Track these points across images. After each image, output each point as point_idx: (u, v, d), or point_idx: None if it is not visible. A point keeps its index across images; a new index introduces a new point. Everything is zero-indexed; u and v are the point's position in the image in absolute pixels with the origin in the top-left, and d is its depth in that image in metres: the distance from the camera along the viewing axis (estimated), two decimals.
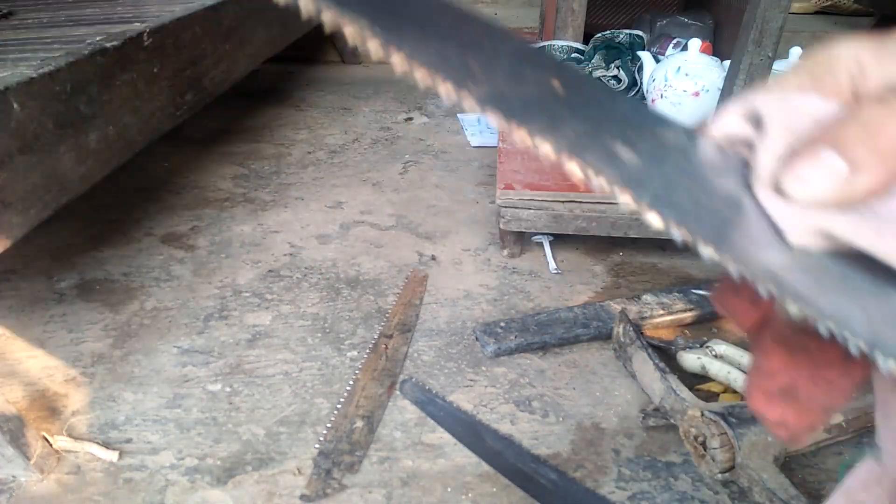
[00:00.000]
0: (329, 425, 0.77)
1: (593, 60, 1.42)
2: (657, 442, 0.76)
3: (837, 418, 0.71)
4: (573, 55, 1.52)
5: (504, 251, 1.13)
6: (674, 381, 0.75)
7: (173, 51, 0.96)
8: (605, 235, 1.06)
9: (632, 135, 0.18)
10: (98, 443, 0.74)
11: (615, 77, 1.40)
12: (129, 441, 0.75)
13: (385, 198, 1.34)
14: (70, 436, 0.74)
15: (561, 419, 0.79)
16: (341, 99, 1.95)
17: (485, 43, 0.19)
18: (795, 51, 1.25)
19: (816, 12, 2.35)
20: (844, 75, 0.17)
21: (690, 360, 0.84)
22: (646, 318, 0.93)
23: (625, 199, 0.17)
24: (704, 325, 0.96)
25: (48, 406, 0.80)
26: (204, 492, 0.69)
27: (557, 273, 1.09)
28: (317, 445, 0.74)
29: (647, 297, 0.98)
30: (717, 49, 1.57)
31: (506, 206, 1.04)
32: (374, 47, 0.17)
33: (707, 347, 0.85)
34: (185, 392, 0.82)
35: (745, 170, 0.18)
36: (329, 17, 0.17)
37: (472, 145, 1.61)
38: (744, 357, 0.83)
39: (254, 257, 1.12)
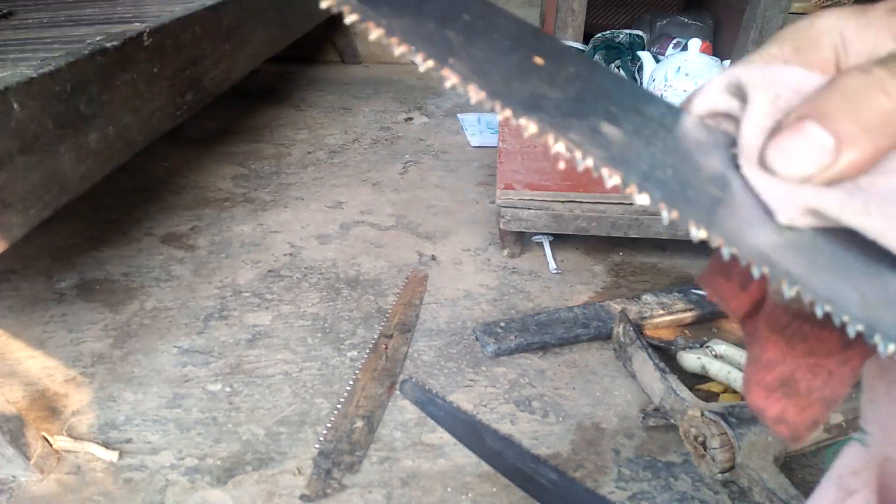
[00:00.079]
0: (329, 425, 0.77)
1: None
2: (657, 442, 0.76)
3: (837, 418, 0.71)
4: None
5: (504, 251, 1.13)
6: (674, 381, 0.75)
7: (173, 51, 0.96)
8: (605, 235, 1.06)
9: (617, 112, 0.18)
10: (98, 443, 0.74)
11: None
12: (129, 441, 0.75)
13: (385, 198, 1.34)
14: (70, 436, 0.74)
15: (561, 419, 0.79)
16: (341, 99, 1.95)
17: (465, 16, 0.18)
18: None
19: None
20: (827, 47, 0.17)
21: (690, 360, 0.84)
22: (646, 318, 0.93)
23: (613, 181, 0.16)
24: (704, 325, 0.96)
25: (48, 406, 0.80)
26: (204, 492, 0.69)
27: (557, 273, 1.09)
28: (317, 445, 0.74)
29: (647, 297, 0.98)
30: (717, 49, 1.57)
31: (506, 206, 1.04)
32: (352, 19, 0.17)
33: (707, 347, 0.85)
34: (185, 392, 0.82)
35: (730, 146, 0.18)
36: None
37: (472, 145, 1.61)
38: (744, 357, 0.83)
39: (254, 257, 1.12)
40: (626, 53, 1.42)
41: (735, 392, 0.80)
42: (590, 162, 0.16)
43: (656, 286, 1.05)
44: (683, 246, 1.14)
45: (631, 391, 0.83)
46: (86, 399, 0.81)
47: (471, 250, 1.15)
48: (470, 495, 0.69)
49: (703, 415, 0.68)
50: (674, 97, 1.19)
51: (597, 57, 1.42)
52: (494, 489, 0.70)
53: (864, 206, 0.16)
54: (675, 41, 1.62)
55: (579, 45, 1.55)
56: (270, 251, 1.14)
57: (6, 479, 0.70)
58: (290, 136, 1.66)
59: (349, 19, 0.17)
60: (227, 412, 0.79)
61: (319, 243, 1.17)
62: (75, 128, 0.74)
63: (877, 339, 0.15)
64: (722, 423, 0.67)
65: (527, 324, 0.92)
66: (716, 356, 0.83)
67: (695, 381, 0.82)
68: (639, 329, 0.87)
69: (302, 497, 0.69)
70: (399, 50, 0.17)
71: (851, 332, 0.15)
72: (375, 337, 0.92)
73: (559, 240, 1.16)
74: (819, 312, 0.15)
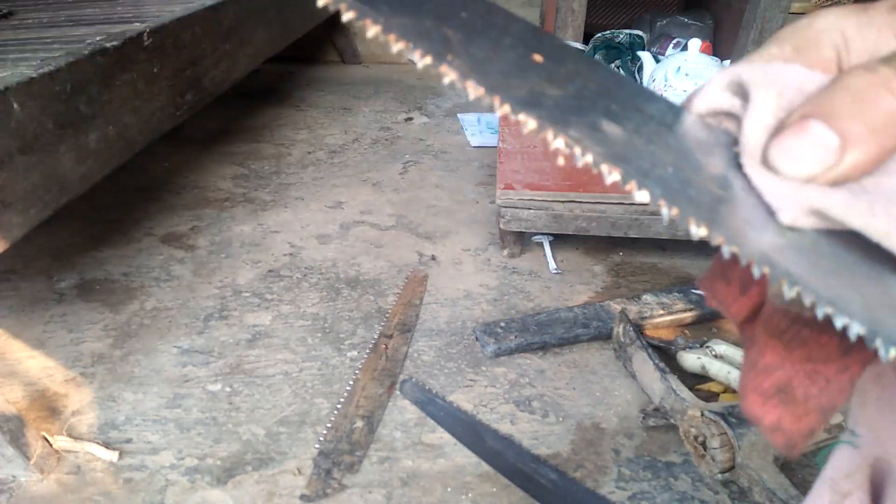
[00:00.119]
0: (329, 425, 0.77)
1: None
2: (657, 442, 0.76)
3: (837, 418, 0.71)
4: None
5: (504, 251, 1.13)
6: (674, 381, 0.75)
7: (173, 51, 0.96)
8: (605, 235, 1.06)
9: (617, 110, 0.18)
10: (98, 443, 0.74)
11: None
12: (129, 441, 0.75)
13: (385, 198, 1.34)
14: (70, 436, 0.74)
15: (561, 419, 0.79)
16: (341, 99, 1.95)
17: (463, 14, 0.18)
18: None
19: None
20: (828, 47, 0.17)
21: (690, 360, 0.84)
22: (646, 318, 0.93)
23: (613, 177, 0.16)
24: (704, 325, 0.96)
25: (48, 406, 0.80)
26: (204, 492, 0.69)
27: (557, 273, 1.09)
28: (317, 445, 0.74)
29: (647, 297, 0.98)
30: (717, 49, 1.57)
31: (506, 206, 1.04)
32: (349, 17, 0.17)
33: (707, 347, 0.85)
34: (185, 392, 0.82)
35: (732, 144, 0.18)
36: None
37: (472, 145, 1.61)
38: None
39: (254, 257, 1.12)
40: (626, 53, 1.42)
41: (735, 392, 0.80)
42: (589, 158, 0.16)
43: (656, 286, 1.05)
44: (683, 246, 1.14)
45: (631, 391, 0.83)
46: (86, 399, 0.81)
47: (471, 250, 1.15)
48: (470, 495, 0.69)
49: (703, 415, 0.68)
50: (674, 97, 1.19)
51: (597, 57, 1.42)
52: (494, 489, 0.70)
53: (869, 208, 0.15)
54: (675, 41, 1.62)
55: (579, 45, 1.55)
56: (270, 251, 1.14)
57: (6, 479, 0.70)
58: (290, 136, 1.66)
59: (346, 17, 0.17)
60: (227, 412, 0.79)
61: (319, 243, 1.17)
62: (75, 128, 0.74)
63: (878, 343, 0.14)
64: (722, 423, 0.67)
65: (527, 324, 0.92)
66: (716, 356, 0.83)
67: (695, 381, 0.82)
68: (639, 329, 0.87)
69: (302, 497, 0.69)
70: (397, 47, 0.17)
71: (852, 334, 0.15)
72: (375, 337, 0.92)
73: (559, 240, 1.16)
74: (819, 314, 0.15)
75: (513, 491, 0.69)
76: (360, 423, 0.77)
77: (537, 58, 0.18)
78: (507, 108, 0.16)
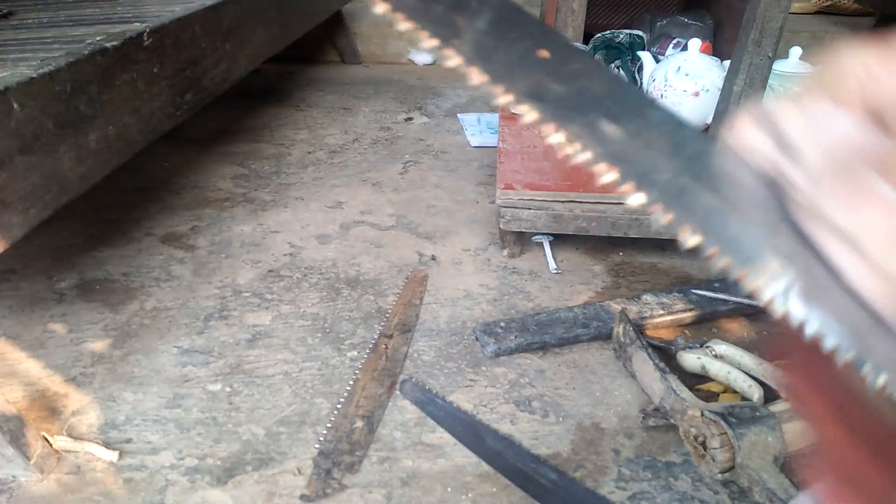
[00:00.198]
0: (329, 425, 0.77)
1: None
2: (657, 442, 0.76)
3: None
4: None
5: (504, 251, 1.13)
6: (674, 381, 0.75)
7: (173, 51, 0.96)
8: (605, 235, 1.06)
9: (619, 113, 0.18)
10: (98, 443, 0.74)
11: None
12: (129, 441, 0.75)
13: (385, 198, 1.34)
14: (70, 436, 0.74)
15: (561, 419, 0.79)
16: (341, 99, 1.95)
17: (473, 3, 0.18)
18: (795, 51, 1.25)
19: (816, 12, 2.35)
20: (855, 86, 0.16)
21: (690, 360, 0.84)
22: (646, 318, 0.93)
23: (610, 177, 0.16)
24: (704, 325, 0.96)
25: (48, 406, 0.80)
26: (204, 492, 0.69)
27: (557, 273, 1.09)
28: (317, 445, 0.74)
29: (647, 297, 0.98)
30: (717, 49, 1.57)
31: (506, 206, 1.04)
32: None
33: (707, 347, 0.85)
34: (185, 392, 0.82)
35: (773, 188, 0.17)
36: None
37: (472, 145, 1.61)
38: (744, 357, 0.83)
39: (254, 257, 1.12)
40: (626, 53, 1.42)
41: (735, 392, 0.80)
42: (588, 156, 0.16)
43: (656, 286, 1.05)
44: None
45: (631, 391, 0.83)
46: (86, 399, 0.81)
47: (471, 250, 1.15)
48: (470, 495, 0.69)
49: (703, 415, 0.68)
50: (674, 97, 1.19)
51: (597, 57, 1.42)
52: (494, 489, 0.70)
53: None
54: (675, 41, 1.62)
55: (579, 45, 1.55)
56: (270, 251, 1.14)
57: (6, 479, 0.70)
58: (290, 136, 1.66)
59: None
60: (227, 412, 0.79)
61: (319, 243, 1.17)
62: (75, 128, 0.74)
63: None
64: (722, 423, 0.67)
65: (527, 324, 0.92)
66: (716, 356, 0.83)
67: (695, 381, 0.82)
68: (639, 329, 0.87)
69: (302, 497, 0.69)
70: (404, 26, 0.17)
71: None
72: (375, 337, 0.92)
73: (559, 240, 1.16)
74: None
75: (513, 491, 0.69)
76: (360, 423, 0.77)
77: (543, 53, 0.18)
78: (509, 98, 0.16)
